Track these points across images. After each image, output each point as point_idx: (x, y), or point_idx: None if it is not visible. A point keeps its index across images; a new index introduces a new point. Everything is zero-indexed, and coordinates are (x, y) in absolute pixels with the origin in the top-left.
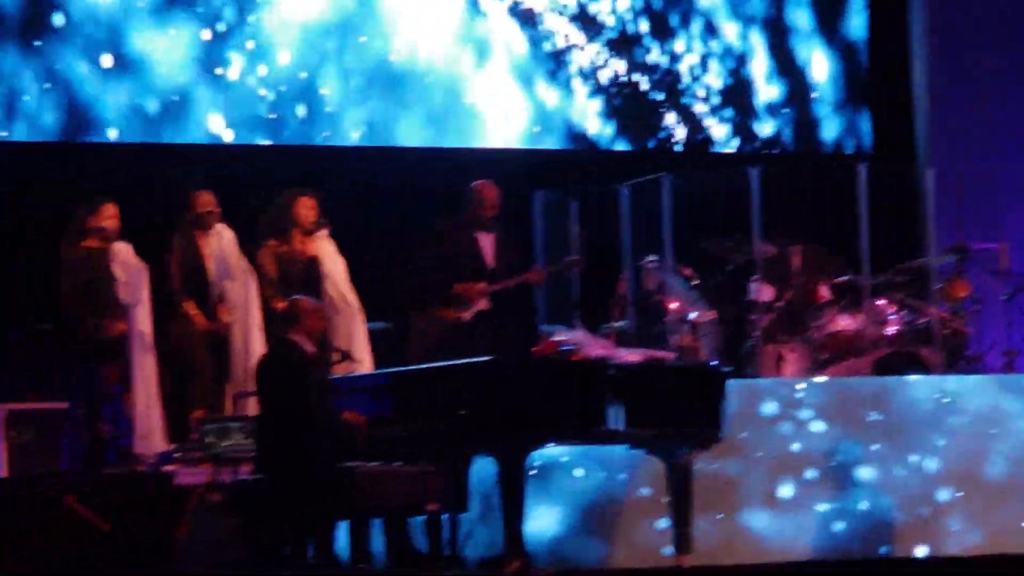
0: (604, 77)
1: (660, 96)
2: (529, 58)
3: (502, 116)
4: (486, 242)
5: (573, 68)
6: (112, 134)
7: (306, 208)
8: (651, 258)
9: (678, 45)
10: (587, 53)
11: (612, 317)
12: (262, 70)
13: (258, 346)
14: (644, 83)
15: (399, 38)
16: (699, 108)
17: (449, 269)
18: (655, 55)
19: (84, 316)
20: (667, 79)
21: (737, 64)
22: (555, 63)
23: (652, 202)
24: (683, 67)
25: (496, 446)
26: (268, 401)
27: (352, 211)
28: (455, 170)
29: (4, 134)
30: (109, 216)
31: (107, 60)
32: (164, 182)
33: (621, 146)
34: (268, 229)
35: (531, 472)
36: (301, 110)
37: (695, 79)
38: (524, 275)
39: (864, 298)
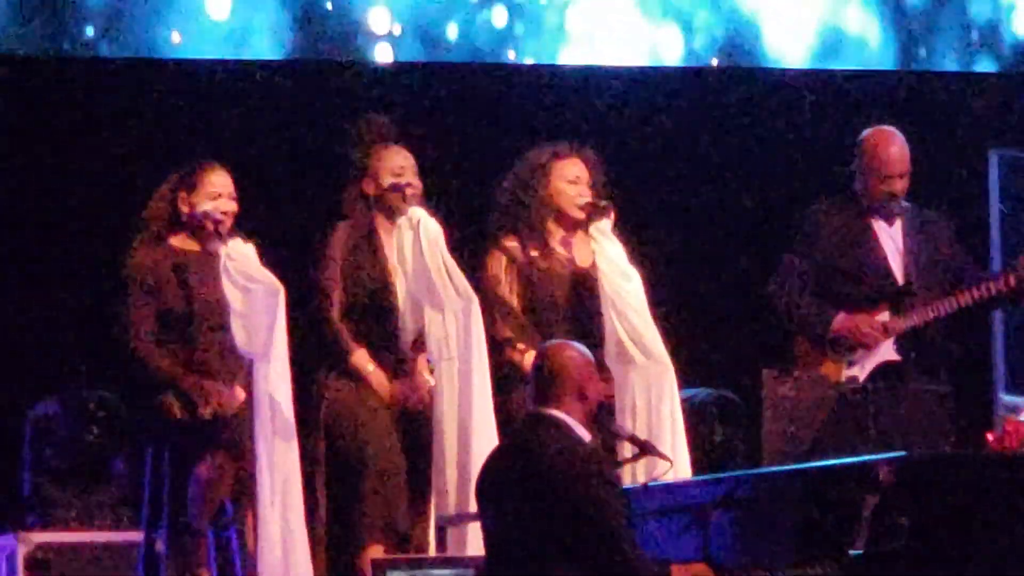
0: None
1: None
2: None
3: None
4: (889, 236)
5: None
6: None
7: (570, 179)
8: None
9: None
10: None
11: None
12: None
13: (486, 430)
14: None
15: None
16: None
17: (829, 286)
18: None
19: (171, 375)
20: None
21: None
22: None
23: None
24: None
25: None
26: (505, 532)
27: (642, 178)
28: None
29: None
30: (219, 190)
31: None
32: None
33: None
34: (505, 217)
35: None
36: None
37: None
38: (975, 290)
39: None
